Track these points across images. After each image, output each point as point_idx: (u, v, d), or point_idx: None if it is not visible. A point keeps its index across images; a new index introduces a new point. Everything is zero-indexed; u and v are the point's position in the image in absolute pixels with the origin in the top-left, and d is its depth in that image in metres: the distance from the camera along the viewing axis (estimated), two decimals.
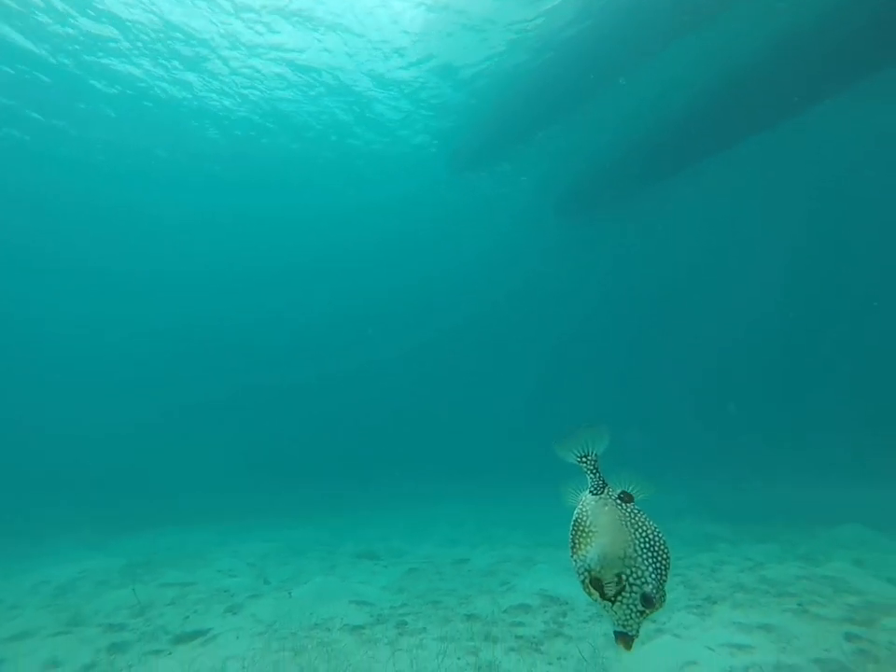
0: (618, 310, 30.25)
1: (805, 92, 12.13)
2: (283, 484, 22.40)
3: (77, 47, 12.54)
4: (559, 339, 34.24)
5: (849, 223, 20.76)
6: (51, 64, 13.22)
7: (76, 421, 31.88)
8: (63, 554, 9.86)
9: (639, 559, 1.60)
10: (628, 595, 1.56)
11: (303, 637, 4.86)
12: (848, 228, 21.21)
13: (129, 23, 12.05)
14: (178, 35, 12.29)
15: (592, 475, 1.79)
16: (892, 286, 23.96)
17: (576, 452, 1.82)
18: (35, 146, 16.33)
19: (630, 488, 1.76)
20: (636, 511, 1.71)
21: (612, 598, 1.57)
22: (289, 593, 6.39)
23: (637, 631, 1.58)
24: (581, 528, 1.68)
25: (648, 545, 1.64)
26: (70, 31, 11.98)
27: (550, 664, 4.22)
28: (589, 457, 1.80)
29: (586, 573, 1.60)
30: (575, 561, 1.64)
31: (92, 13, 11.73)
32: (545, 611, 5.49)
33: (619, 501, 1.72)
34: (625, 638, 1.57)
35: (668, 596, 5.18)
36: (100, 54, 13.05)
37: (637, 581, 1.58)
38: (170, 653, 4.71)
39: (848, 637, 4.20)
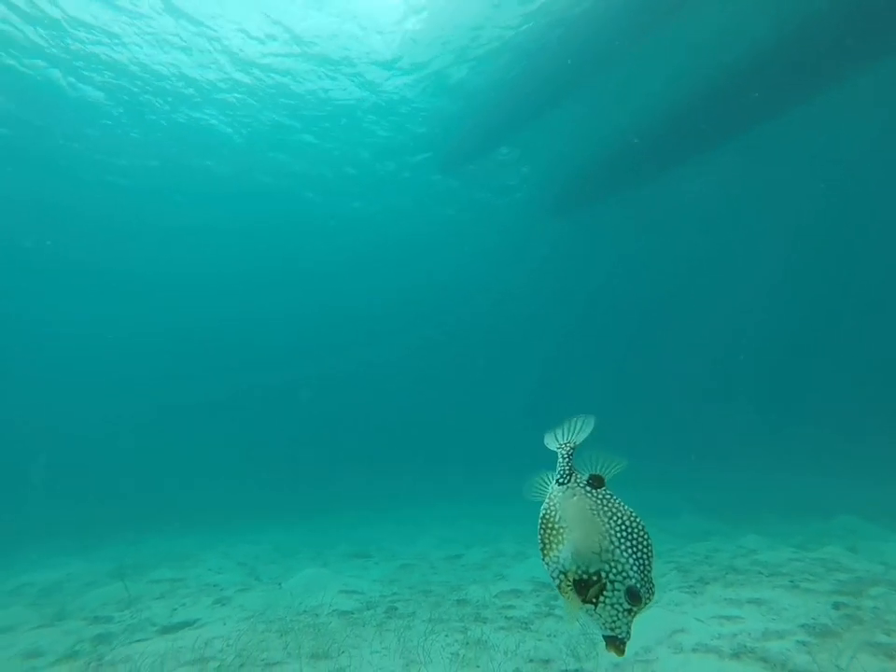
0: (618, 307, 30.39)
1: (821, 76, 12.17)
2: (274, 487, 22.17)
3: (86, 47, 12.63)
4: (558, 338, 34.31)
5: (859, 215, 20.90)
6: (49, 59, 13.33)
7: (60, 422, 31.58)
8: (47, 560, 9.67)
9: (618, 551, 1.44)
10: (611, 593, 1.39)
11: (290, 621, 4.79)
12: (858, 219, 21.35)
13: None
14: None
15: (563, 461, 1.68)
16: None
17: (558, 440, 1.73)
18: (32, 146, 16.37)
19: (599, 468, 1.62)
20: (608, 497, 1.57)
21: (594, 600, 1.40)
22: (279, 584, 6.31)
23: (629, 633, 1.40)
24: (549, 525, 1.54)
25: (625, 534, 1.48)
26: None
27: (539, 640, 4.18)
28: (569, 444, 1.71)
29: (561, 576, 1.44)
30: (547, 564, 1.49)
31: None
32: (537, 595, 5.44)
33: (588, 489, 1.58)
34: (616, 643, 1.39)
35: (661, 580, 5.14)
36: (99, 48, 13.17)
37: (619, 577, 1.40)
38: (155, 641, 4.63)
39: (836, 605, 4.19)
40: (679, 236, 22.52)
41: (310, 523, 13.69)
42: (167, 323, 30.50)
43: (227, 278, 26.93)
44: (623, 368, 35.79)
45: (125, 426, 32.53)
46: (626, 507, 1.55)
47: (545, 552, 1.50)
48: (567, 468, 1.65)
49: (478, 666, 3.66)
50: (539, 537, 1.52)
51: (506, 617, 4.78)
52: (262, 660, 3.80)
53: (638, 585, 1.41)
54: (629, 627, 1.40)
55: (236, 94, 14.83)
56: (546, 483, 1.68)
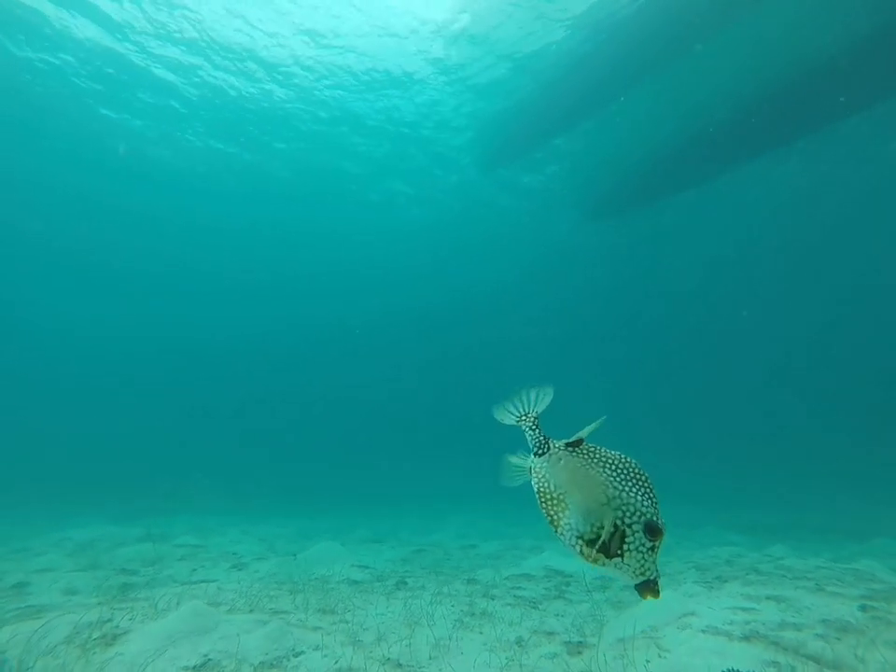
0: (651, 313, 29.64)
1: (862, 92, 11.81)
2: (299, 484, 22.57)
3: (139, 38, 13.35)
4: (591, 342, 33.72)
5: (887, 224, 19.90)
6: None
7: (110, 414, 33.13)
8: (86, 523, 10.19)
9: (624, 494, 1.42)
10: (632, 537, 1.37)
11: (302, 584, 4.90)
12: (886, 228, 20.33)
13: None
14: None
15: (531, 432, 1.62)
16: None
17: (515, 412, 1.66)
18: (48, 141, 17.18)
19: (574, 436, 1.58)
20: (592, 449, 1.54)
21: (619, 551, 1.37)
22: (294, 555, 6.46)
23: (657, 572, 1.38)
24: (547, 497, 1.49)
25: (624, 475, 1.47)
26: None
27: (546, 617, 4.13)
28: (529, 415, 1.64)
29: (579, 541, 1.40)
30: (561, 535, 1.44)
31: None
32: (548, 580, 5.38)
33: (570, 450, 1.55)
34: (649, 586, 1.36)
35: (677, 576, 5.02)
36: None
37: (635, 517, 1.39)
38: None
39: (864, 608, 3.98)
40: (715, 240, 21.84)
41: (334, 516, 13.90)
42: (224, 322, 31.70)
43: (259, 285, 27.70)
44: (662, 376, 34.77)
45: (170, 420, 33.86)
46: (615, 452, 1.52)
47: (555, 524, 1.45)
48: (540, 437, 1.60)
49: (481, 633, 3.66)
50: (544, 512, 1.47)
51: (514, 596, 4.75)
52: (270, 609, 3.91)
53: (655, 518, 1.40)
54: (656, 565, 1.38)
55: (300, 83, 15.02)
56: (521, 464, 1.61)
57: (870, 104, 12.92)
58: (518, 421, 1.65)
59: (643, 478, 1.47)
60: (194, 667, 2.74)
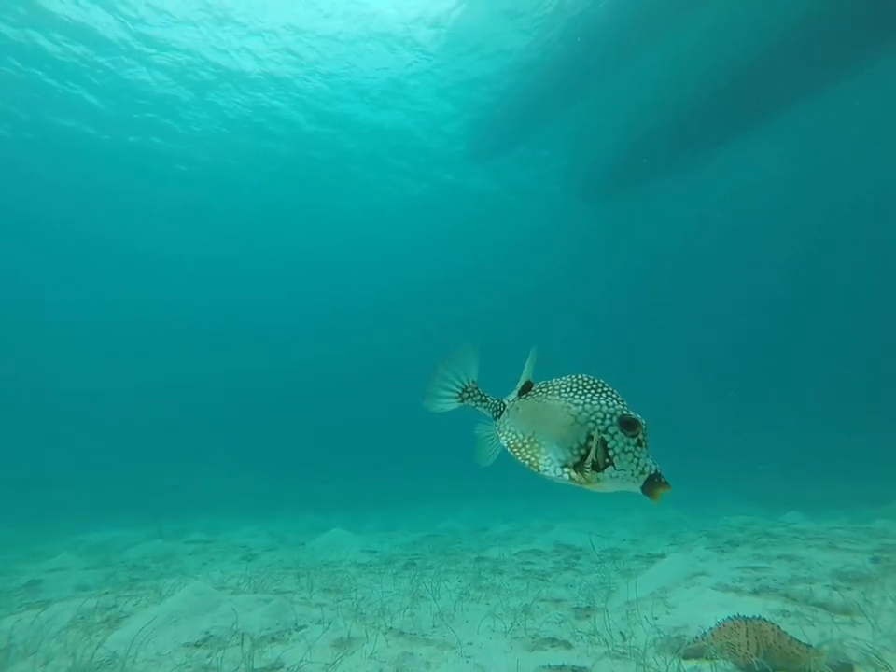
0: (649, 296, 29.39)
1: (861, 50, 11.55)
2: (313, 482, 22.63)
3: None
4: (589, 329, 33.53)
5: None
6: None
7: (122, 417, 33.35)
8: (101, 527, 10.27)
9: (587, 405, 1.37)
10: (612, 440, 1.31)
11: (308, 568, 4.89)
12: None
13: None
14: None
15: (481, 405, 1.53)
16: None
17: (450, 393, 1.54)
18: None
19: (519, 383, 1.50)
20: (542, 385, 1.48)
21: (607, 460, 1.31)
22: (303, 544, 6.46)
23: (656, 465, 1.30)
24: (520, 447, 1.42)
25: (580, 390, 1.41)
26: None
27: (555, 587, 4.09)
28: (468, 390, 1.54)
29: (565, 469, 1.33)
30: (546, 473, 1.36)
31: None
32: (558, 555, 5.34)
33: (522, 397, 1.48)
34: (654, 482, 1.27)
35: (688, 544, 4.94)
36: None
37: (606, 421, 1.33)
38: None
39: (876, 560, 3.90)
40: (708, 219, 21.55)
41: (348, 512, 13.92)
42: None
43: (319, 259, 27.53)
44: (667, 358, 34.48)
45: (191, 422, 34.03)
46: (563, 377, 1.47)
47: (535, 466, 1.37)
48: (493, 402, 1.52)
49: (488, 603, 3.62)
50: (525, 463, 1.39)
51: (523, 570, 4.71)
52: (275, 590, 3.90)
53: (626, 412, 1.34)
54: (651, 460, 1.30)
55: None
56: (489, 432, 1.53)
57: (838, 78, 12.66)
58: (462, 400, 1.54)
59: (600, 385, 1.42)
60: (195, 644, 2.73)
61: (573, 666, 2.42)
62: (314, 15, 12.95)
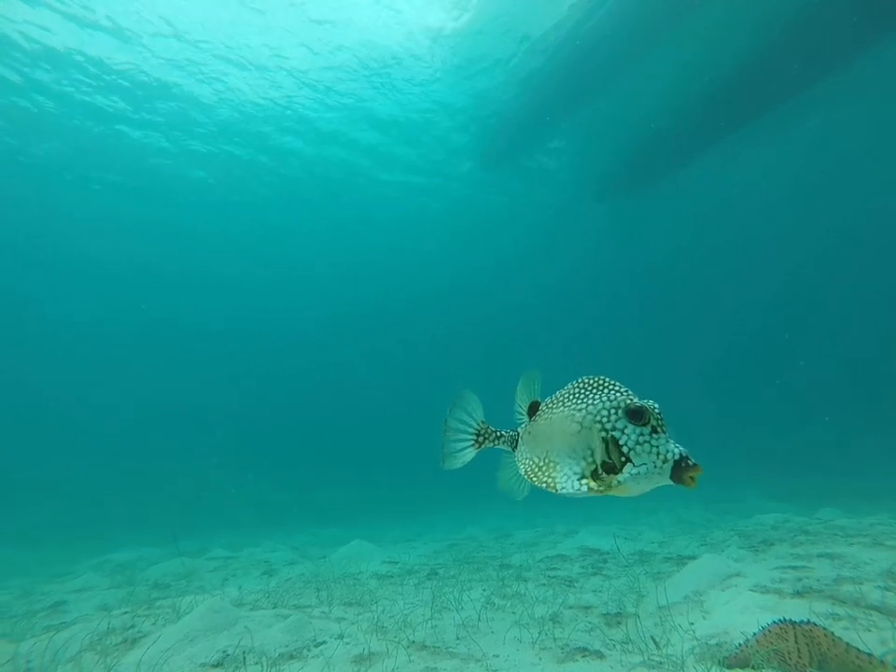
0: (662, 295, 28.96)
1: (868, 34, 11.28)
2: (334, 495, 22.58)
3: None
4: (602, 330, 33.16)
5: None
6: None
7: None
8: (126, 547, 10.32)
9: (589, 406, 1.32)
10: (623, 436, 1.24)
11: (329, 581, 4.79)
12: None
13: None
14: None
15: (500, 442, 1.55)
16: None
17: (465, 445, 1.55)
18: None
19: (526, 404, 1.52)
20: (546, 402, 1.48)
21: (623, 458, 1.24)
22: (324, 557, 6.37)
23: (680, 449, 1.20)
24: (536, 470, 1.39)
25: (579, 395, 1.37)
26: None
27: (583, 594, 3.92)
28: (481, 433, 1.55)
29: (584, 481, 1.27)
30: (563, 491, 1.30)
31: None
32: (584, 560, 5.16)
33: (531, 420, 1.50)
34: (681, 466, 1.17)
35: (720, 544, 4.73)
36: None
37: (612, 417, 1.27)
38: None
39: None
40: (721, 216, 21.20)
41: (370, 525, 13.82)
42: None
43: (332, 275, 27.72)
44: (671, 358, 33.89)
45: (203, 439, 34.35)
46: (563, 388, 1.46)
47: (553, 486, 1.32)
48: (508, 436, 1.55)
49: (513, 612, 3.48)
50: (540, 484, 1.37)
51: (548, 576, 4.55)
52: (294, 604, 3.80)
53: (629, 401, 1.27)
54: (670, 442, 1.22)
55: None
56: (512, 469, 1.53)
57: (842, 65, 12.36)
58: (479, 445, 1.57)
59: (601, 382, 1.38)
60: (212, 664, 2.64)
61: None
62: (321, 38, 13.06)
